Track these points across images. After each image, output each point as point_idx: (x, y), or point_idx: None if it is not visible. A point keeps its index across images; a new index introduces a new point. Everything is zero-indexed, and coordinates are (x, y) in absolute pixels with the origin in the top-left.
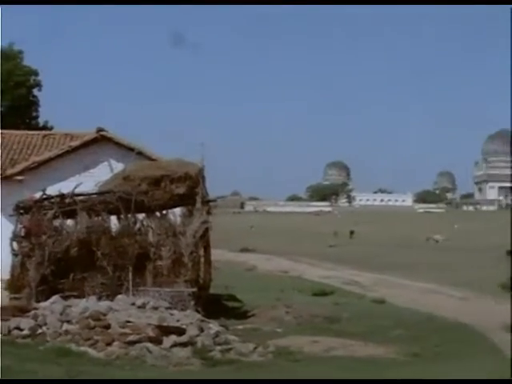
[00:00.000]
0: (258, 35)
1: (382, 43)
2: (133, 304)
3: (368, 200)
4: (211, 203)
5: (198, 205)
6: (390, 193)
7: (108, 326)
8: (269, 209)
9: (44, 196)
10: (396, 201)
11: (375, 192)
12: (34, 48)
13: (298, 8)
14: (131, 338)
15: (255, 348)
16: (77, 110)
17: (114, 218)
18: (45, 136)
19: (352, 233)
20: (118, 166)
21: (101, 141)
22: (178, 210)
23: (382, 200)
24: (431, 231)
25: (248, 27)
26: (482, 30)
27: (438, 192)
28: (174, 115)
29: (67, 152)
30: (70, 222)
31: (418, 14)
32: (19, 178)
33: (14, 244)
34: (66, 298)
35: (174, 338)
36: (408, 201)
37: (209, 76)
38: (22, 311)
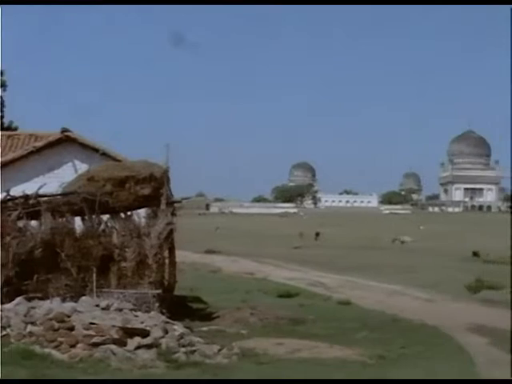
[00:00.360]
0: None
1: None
2: (97, 306)
3: (334, 201)
4: (176, 204)
5: (163, 206)
6: (355, 194)
7: (72, 328)
8: (234, 210)
9: (8, 197)
10: (362, 202)
11: (341, 193)
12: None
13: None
14: (95, 339)
15: (220, 350)
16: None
17: (78, 219)
18: (9, 136)
19: (317, 234)
20: (83, 167)
21: (65, 141)
22: (142, 212)
23: (347, 201)
24: (397, 232)
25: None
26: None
27: (403, 193)
28: (139, 115)
29: (31, 153)
30: (34, 223)
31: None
32: None
33: None
34: (30, 299)
35: (138, 339)
36: (374, 202)
37: (178, 74)
38: None
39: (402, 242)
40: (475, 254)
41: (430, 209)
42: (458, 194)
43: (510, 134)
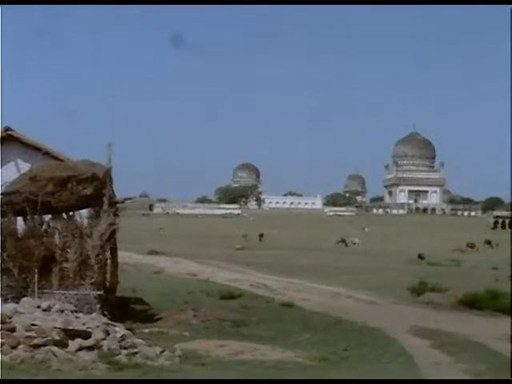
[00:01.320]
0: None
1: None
2: (38, 307)
3: (278, 203)
4: (119, 205)
5: (105, 206)
6: (299, 195)
7: (13, 329)
8: (178, 211)
9: None
10: (306, 204)
11: (285, 194)
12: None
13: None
14: (36, 341)
15: (162, 352)
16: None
17: (20, 219)
18: None
19: (262, 236)
20: (25, 167)
21: (8, 140)
22: (84, 212)
23: (291, 203)
24: (341, 234)
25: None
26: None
27: (348, 195)
28: (82, 114)
29: None
30: None
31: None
32: None
33: None
34: None
35: (79, 341)
36: (318, 204)
37: (116, 70)
38: None
39: (354, 244)
40: (420, 256)
41: (375, 211)
42: (402, 196)
43: (509, 137)
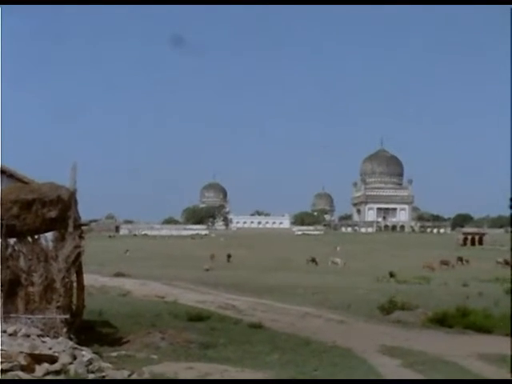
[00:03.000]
0: None
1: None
2: (4, 331)
3: (245, 222)
4: (85, 227)
5: (70, 229)
6: (267, 215)
7: None
8: (144, 232)
9: None
10: (274, 223)
11: (252, 214)
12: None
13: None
14: (3, 366)
15: (130, 375)
16: None
17: None
18: None
19: (229, 256)
20: None
21: None
22: (50, 235)
23: (259, 222)
24: (311, 253)
25: None
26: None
27: (315, 214)
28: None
29: None
30: None
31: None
32: None
33: None
34: None
35: (46, 366)
36: (286, 223)
37: (74, 90)
38: None
39: (335, 263)
40: (391, 274)
41: (343, 229)
42: (370, 213)
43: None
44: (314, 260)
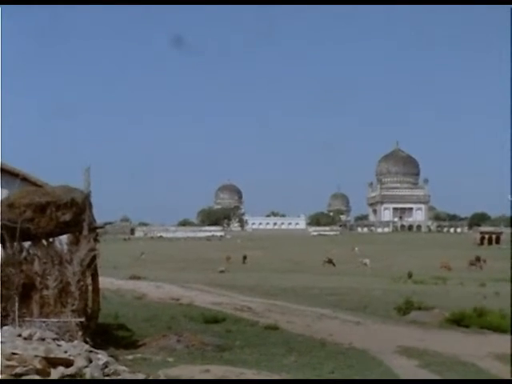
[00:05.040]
0: None
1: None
2: (19, 335)
3: (261, 224)
4: (99, 230)
5: (85, 232)
6: (283, 216)
7: None
8: (160, 234)
9: None
10: (289, 224)
11: (268, 215)
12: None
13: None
14: (18, 370)
15: (145, 378)
16: None
17: None
18: None
19: (245, 257)
20: (3, 193)
21: None
22: (64, 238)
23: (275, 223)
24: (327, 254)
25: None
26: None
27: (331, 214)
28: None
29: None
30: None
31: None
32: None
33: None
34: None
35: (61, 369)
36: (301, 224)
37: (85, 92)
38: None
39: (365, 265)
40: (410, 274)
41: (359, 229)
42: (386, 213)
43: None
44: (330, 261)
